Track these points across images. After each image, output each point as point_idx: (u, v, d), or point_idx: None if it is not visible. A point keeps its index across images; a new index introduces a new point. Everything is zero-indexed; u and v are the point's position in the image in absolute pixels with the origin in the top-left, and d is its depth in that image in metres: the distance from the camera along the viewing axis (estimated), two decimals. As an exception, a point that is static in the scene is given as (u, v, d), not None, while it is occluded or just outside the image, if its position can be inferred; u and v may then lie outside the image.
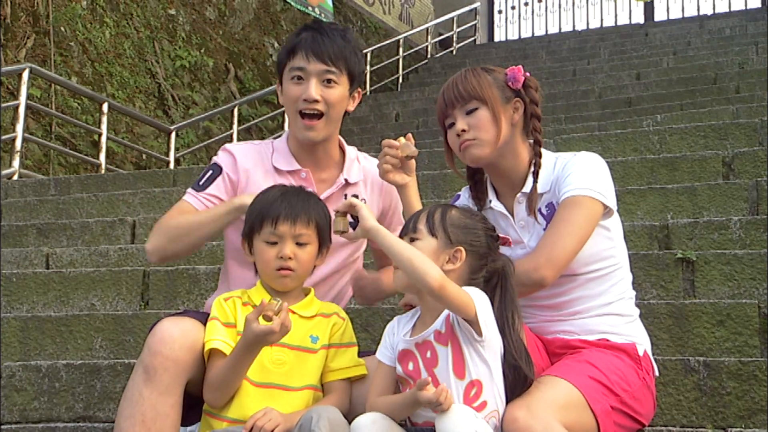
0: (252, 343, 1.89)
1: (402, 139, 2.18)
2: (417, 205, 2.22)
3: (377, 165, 2.20)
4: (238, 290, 2.11)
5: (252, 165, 2.29)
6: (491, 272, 1.91)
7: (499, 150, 2.10)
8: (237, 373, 1.93)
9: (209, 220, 2.19)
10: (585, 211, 2.00)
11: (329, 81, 2.24)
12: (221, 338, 1.98)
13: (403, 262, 1.80)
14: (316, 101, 2.22)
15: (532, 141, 2.16)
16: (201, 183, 2.28)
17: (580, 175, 2.04)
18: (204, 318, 2.06)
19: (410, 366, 1.87)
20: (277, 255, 2.02)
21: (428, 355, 1.85)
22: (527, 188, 2.12)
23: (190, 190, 2.29)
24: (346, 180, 2.32)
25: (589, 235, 2.02)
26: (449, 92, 2.13)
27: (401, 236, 1.93)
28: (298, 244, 2.03)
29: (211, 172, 2.29)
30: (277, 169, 2.29)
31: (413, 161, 2.19)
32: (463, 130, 2.09)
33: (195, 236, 2.19)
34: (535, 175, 2.10)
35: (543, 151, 2.15)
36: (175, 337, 1.93)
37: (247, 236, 2.09)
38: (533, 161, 2.12)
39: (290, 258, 2.01)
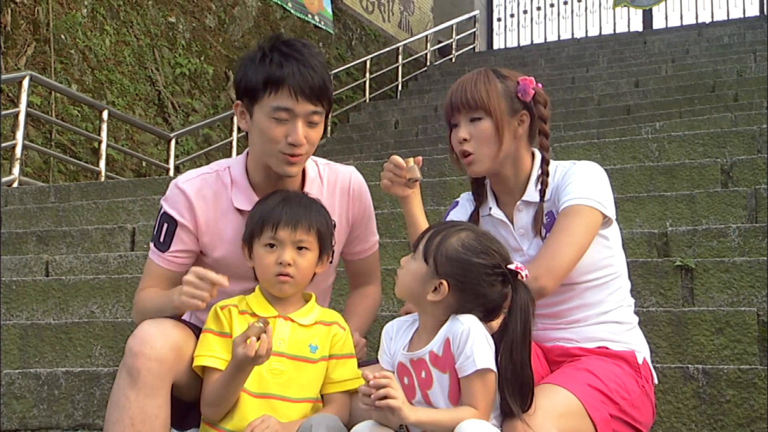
0: (240, 365, 1.87)
1: (411, 161, 2.18)
2: (419, 215, 2.22)
3: (381, 175, 2.19)
4: (235, 298, 2.09)
5: (210, 207, 2.13)
6: (491, 308, 1.83)
7: (500, 161, 2.11)
8: (231, 390, 1.92)
9: (165, 307, 2.03)
10: (584, 220, 2.00)
11: (313, 122, 2.06)
12: (211, 354, 1.96)
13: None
14: (302, 145, 2.05)
15: (537, 150, 2.16)
16: (162, 240, 2.12)
17: (580, 184, 2.05)
18: (186, 322, 2.04)
19: (405, 380, 1.87)
20: (276, 261, 2.00)
21: (423, 374, 1.84)
22: (528, 197, 2.12)
23: (154, 247, 2.14)
24: None
25: (589, 245, 2.02)
26: (457, 95, 2.10)
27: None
28: (299, 250, 2.02)
29: (167, 226, 2.12)
30: (238, 210, 2.14)
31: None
32: (465, 139, 2.08)
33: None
34: (542, 193, 2.09)
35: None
36: (155, 337, 1.92)
37: (247, 241, 2.08)
38: (539, 178, 2.10)
39: (290, 264, 1.99)
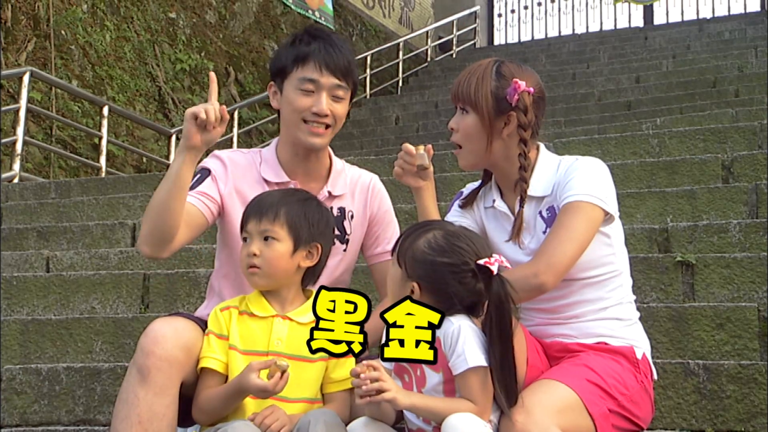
0: (245, 390, 1.88)
1: (421, 148, 2.20)
2: (432, 208, 2.22)
3: (394, 163, 2.23)
4: (236, 298, 2.09)
5: (241, 174, 2.27)
6: (470, 305, 1.83)
7: (491, 158, 2.12)
8: (229, 407, 1.93)
9: (167, 177, 2.07)
10: (585, 216, 2.00)
11: (337, 96, 2.23)
12: (214, 356, 1.97)
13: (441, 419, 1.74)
14: (326, 115, 2.21)
15: (542, 144, 2.16)
16: (192, 186, 2.19)
17: (582, 180, 2.04)
18: (198, 320, 2.05)
19: (406, 378, 1.87)
20: (246, 253, 2.01)
21: (418, 373, 1.85)
22: (530, 191, 2.11)
23: None
24: (329, 192, 2.30)
25: (590, 241, 2.01)
26: (455, 86, 2.14)
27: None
28: (265, 241, 2.00)
29: (200, 175, 2.24)
30: (265, 180, 2.27)
31: (431, 168, 2.22)
32: (452, 129, 2.12)
33: (162, 200, 2.05)
34: (521, 202, 2.07)
35: (547, 153, 2.16)
36: (167, 336, 1.93)
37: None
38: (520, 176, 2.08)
39: (255, 255, 1.99)
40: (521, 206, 2.08)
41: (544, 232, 2.07)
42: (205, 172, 2.25)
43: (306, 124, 2.21)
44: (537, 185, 2.11)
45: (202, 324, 2.04)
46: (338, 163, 2.38)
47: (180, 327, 1.97)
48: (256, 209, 2.03)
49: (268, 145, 2.41)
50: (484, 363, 1.76)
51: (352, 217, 2.33)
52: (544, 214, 2.09)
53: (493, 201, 2.18)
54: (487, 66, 2.12)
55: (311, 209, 2.07)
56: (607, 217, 2.06)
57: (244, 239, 2.04)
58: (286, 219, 2.01)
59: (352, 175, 2.38)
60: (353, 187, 2.36)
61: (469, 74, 2.12)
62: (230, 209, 2.24)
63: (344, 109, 2.26)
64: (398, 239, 1.90)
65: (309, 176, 2.30)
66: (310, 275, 2.09)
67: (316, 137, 2.22)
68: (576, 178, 2.04)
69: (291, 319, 2.01)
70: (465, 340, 1.76)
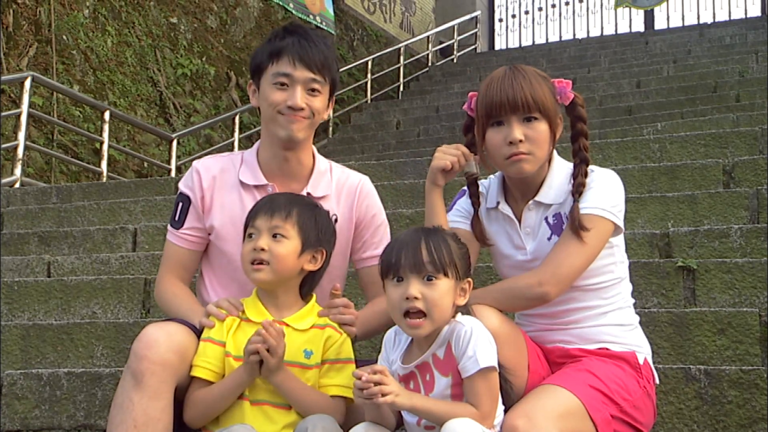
0: (252, 373, 1.90)
1: (474, 156, 2.16)
2: (442, 206, 2.19)
3: (437, 150, 2.16)
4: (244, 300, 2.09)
5: (215, 181, 2.26)
6: None
7: None
8: (227, 402, 1.94)
9: (181, 309, 2.19)
10: (597, 230, 2.00)
11: (314, 90, 2.19)
12: (205, 365, 1.97)
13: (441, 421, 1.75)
14: (302, 109, 2.18)
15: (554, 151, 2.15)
16: (177, 218, 2.26)
17: (597, 193, 2.03)
18: (191, 325, 2.05)
19: (411, 385, 1.87)
20: (252, 248, 2.00)
21: (427, 378, 1.85)
22: (541, 197, 2.10)
23: (170, 228, 2.28)
24: (308, 193, 2.24)
25: (598, 254, 2.01)
26: (510, 93, 2.01)
27: (383, 273, 1.87)
28: (274, 237, 2.00)
29: (181, 204, 2.27)
30: (243, 184, 2.25)
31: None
32: (521, 141, 2.02)
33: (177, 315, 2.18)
34: (578, 194, 2.04)
35: (560, 160, 2.15)
36: (160, 340, 1.93)
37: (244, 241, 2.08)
38: (577, 181, 2.05)
39: (263, 249, 1.98)
40: (576, 201, 2.03)
41: (549, 239, 2.07)
42: (186, 202, 2.26)
43: (282, 116, 2.18)
44: (548, 192, 2.10)
45: (195, 329, 2.04)
46: (322, 163, 2.32)
47: (173, 331, 1.97)
48: (268, 206, 2.03)
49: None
50: (495, 364, 1.77)
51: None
52: (550, 220, 2.09)
53: (497, 203, 2.17)
54: (533, 71, 2.07)
55: (321, 216, 2.09)
56: (616, 231, 2.06)
57: (250, 235, 2.02)
58: (297, 219, 2.02)
59: (338, 177, 2.32)
60: (339, 189, 2.30)
61: (530, 83, 2.02)
62: (210, 221, 2.25)
63: (322, 103, 2.22)
64: (414, 257, 1.83)
65: (289, 177, 2.26)
66: (309, 282, 2.08)
67: (292, 125, 2.17)
68: (592, 191, 2.04)
69: (287, 325, 2.00)
70: (477, 342, 1.77)
